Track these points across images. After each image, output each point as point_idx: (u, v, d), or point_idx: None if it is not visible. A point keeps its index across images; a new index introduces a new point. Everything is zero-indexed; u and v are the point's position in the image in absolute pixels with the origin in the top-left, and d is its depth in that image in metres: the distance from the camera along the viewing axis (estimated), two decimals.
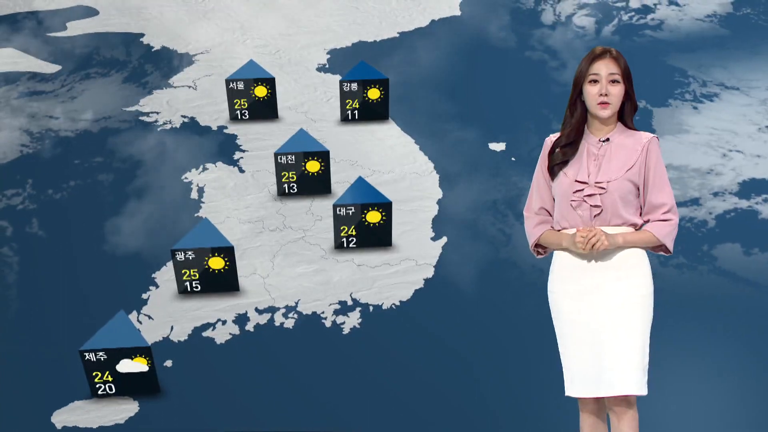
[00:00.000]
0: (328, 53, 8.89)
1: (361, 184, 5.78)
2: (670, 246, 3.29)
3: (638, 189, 3.25)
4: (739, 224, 6.08)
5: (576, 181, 3.26)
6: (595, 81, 3.20)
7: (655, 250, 3.35)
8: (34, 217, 6.16)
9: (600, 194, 3.22)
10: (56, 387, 4.76)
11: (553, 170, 3.32)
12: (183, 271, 5.33)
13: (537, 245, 3.47)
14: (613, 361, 3.25)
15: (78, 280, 5.62)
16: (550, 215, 3.42)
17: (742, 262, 5.66)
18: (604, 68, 3.19)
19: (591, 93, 3.21)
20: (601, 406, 3.51)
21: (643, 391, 3.26)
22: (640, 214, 3.30)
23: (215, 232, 5.33)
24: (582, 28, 9.25)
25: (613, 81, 3.19)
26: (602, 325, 3.28)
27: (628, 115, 3.28)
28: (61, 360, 4.93)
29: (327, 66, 8.61)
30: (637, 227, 3.30)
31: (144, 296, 5.47)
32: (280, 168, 6.30)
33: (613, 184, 3.21)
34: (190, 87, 8.19)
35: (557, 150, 3.33)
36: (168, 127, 7.49)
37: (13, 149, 7.01)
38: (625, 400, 3.31)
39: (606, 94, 3.18)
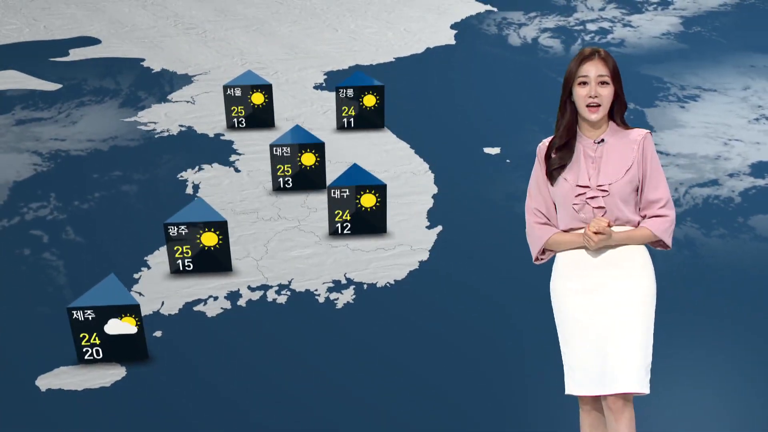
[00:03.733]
0: (325, 74, 9.04)
1: (356, 169, 5.78)
2: (668, 241, 3.30)
3: (637, 187, 3.27)
4: (764, 199, 6.22)
5: (577, 185, 3.26)
6: (584, 83, 3.20)
7: (654, 245, 3.37)
8: (67, 225, 6.10)
9: (603, 196, 3.23)
10: (42, 354, 4.65)
11: (552, 175, 3.31)
12: (176, 248, 5.27)
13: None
14: (617, 359, 3.22)
15: (78, 271, 5.55)
16: (549, 218, 3.41)
17: None
18: (593, 70, 3.19)
19: (580, 95, 3.21)
20: (601, 404, 3.44)
21: (645, 389, 3.23)
22: (639, 209, 3.31)
23: (209, 208, 5.31)
24: (550, 47, 9.57)
25: (602, 83, 3.19)
26: (606, 323, 3.26)
27: (618, 114, 3.28)
28: (48, 331, 4.85)
29: (324, 85, 8.74)
30: (637, 224, 3.30)
31: (135, 276, 5.40)
32: (275, 161, 6.32)
33: (614, 186, 3.22)
34: (188, 102, 8.28)
35: (553, 154, 3.33)
36: (165, 134, 7.54)
37: (26, 168, 7.00)
38: (622, 399, 3.27)
39: (595, 96, 3.18)
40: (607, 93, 3.20)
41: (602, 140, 3.26)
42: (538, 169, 3.39)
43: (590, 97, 3.18)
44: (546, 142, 3.38)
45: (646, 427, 3.85)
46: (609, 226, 3.20)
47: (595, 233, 3.20)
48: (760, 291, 5.13)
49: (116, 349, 4.54)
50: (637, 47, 9.74)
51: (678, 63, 9.16)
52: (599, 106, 3.20)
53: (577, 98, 3.22)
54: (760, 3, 11.70)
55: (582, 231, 3.28)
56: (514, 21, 10.87)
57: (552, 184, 3.32)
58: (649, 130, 3.29)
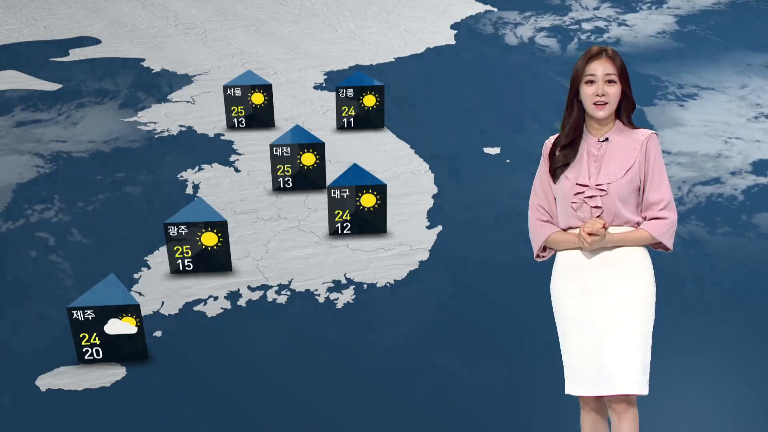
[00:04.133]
0: (325, 74, 9.04)
1: (356, 169, 5.78)
2: (668, 243, 3.27)
3: (639, 187, 3.24)
4: (767, 197, 6.25)
5: (577, 184, 3.25)
6: (592, 81, 3.18)
7: (654, 247, 3.35)
8: (71, 226, 6.07)
9: (600, 196, 3.22)
10: (42, 354, 4.65)
11: (555, 173, 3.31)
12: (175, 248, 5.27)
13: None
14: (614, 360, 3.21)
15: (78, 271, 5.55)
16: (552, 216, 3.40)
17: None
18: (601, 68, 3.18)
19: (587, 93, 3.19)
20: (602, 404, 3.45)
21: (643, 390, 3.22)
22: (640, 210, 3.29)
23: (209, 208, 5.30)
24: (546, 47, 9.60)
25: (610, 81, 3.17)
26: (604, 324, 3.25)
27: (625, 114, 3.27)
28: (48, 331, 4.85)
29: (324, 85, 8.74)
30: (637, 225, 3.28)
31: (135, 276, 5.40)
32: (275, 161, 6.32)
33: (613, 186, 3.20)
34: (188, 102, 8.28)
35: (558, 152, 3.32)
36: (165, 134, 7.54)
37: (28, 170, 6.98)
38: (625, 400, 3.27)
39: (602, 95, 3.17)
40: (614, 92, 3.19)
41: (606, 139, 3.25)
42: (543, 167, 3.38)
43: (597, 95, 3.18)
44: (552, 139, 3.38)
45: (648, 428, 3.84)
46: (605, 227, 3.19)
47: (589, 234, 3.19)
48: (764, 289, 5.13)
49: (116, 349, 4.54)
50: (633, 46, 9.76)
51: (675, 62, 9.21)
52: (606, 104, 3.20)
53: (584, 97, 3.21)
54: (753, 1, 11.71)
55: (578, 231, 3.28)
56: (510, 20, 10.88)
57: (554, 182, 3.32)
58: (655, 131, 3.27)
